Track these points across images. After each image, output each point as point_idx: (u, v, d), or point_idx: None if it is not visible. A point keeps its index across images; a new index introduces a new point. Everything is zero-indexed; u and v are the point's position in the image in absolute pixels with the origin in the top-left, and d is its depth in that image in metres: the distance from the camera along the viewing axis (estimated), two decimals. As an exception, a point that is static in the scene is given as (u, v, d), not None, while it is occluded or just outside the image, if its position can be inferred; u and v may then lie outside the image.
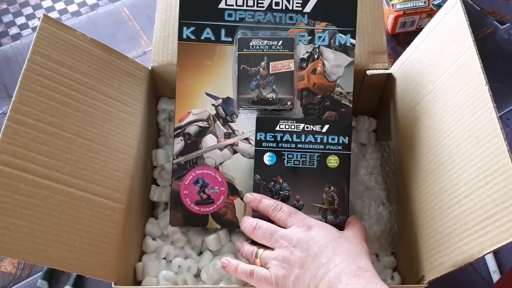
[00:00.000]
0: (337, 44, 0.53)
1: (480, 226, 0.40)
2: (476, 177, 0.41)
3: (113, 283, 0.45)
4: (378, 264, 0.55)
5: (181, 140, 0.54)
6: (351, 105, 0.53)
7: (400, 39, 0.82)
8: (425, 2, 0.79)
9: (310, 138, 0.51)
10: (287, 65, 0.51)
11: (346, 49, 0.53)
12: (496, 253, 0.61)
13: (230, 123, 0.54)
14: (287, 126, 0.51)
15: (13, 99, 0.42)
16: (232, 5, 0.53)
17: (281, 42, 0.51)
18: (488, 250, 0.38)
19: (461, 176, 0.43)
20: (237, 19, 0.53)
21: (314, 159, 0.51)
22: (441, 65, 0.49)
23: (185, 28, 0.53)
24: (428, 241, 0.47)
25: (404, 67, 0.57)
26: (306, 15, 0.53)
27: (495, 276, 0.59)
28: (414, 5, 0.79)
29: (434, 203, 0.47)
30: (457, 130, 0.45)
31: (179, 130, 0.54)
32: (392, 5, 0.80)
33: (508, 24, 0.84)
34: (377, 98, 0.65)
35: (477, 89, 0.43)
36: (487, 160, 0.40)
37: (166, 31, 0.60)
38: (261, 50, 0.51)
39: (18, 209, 0.40)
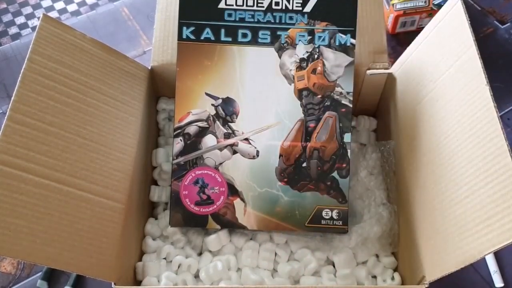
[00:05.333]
0: (337, 44, 0.53)
1: (481, 227, 0.40)
2: (477, 177, 0.41)
3: (113, 283, 0.44)
4: (379, 264, 0.54)
5: (180, 140, 0.54)
6: (351, 105, 0.53)
7: (401, 38, 0.82)
8: (425, 2, 0.79)
9: None
10: None
11: (346, 49, 0.53)
12: (497, 253, 0.61)
13: (230, 123, 0.54)
14: None
15: (12, 98, 0.42)
16: (232, 5, 0.53)
17: None
18: (489, 250, 0.38)
19: (461, 176, 0.43)
20: (237, 19, 0.53)
21: None
22: (442, 64, 0.49)
23: (184, 28, 0.53)
24: (428, 241, 0.47)
25: (405, 66, 0.57)
26: (306, 15, 0.53)
27: (496, 277, 0.59)
28: (415, 4, 0.79)
29: (435, 203, 0.47)
30: (457, 130, 0.45)
31: (179, 130, 0.54)
32: (392, 4, 0.79)
33: (509, 23, 0.84)
34: (377, 98, 0.65)
35: (478, 89, 0.43)
36: (488, 160, 0.40)
37: (166, 31, 0.59)
38: None
39: (18, 208, 0.40)
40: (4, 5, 0.90)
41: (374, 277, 0.54)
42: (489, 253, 0.38)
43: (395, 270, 0.55)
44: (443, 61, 0.49)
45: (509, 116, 0.74)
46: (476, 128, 0.42)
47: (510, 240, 0.36)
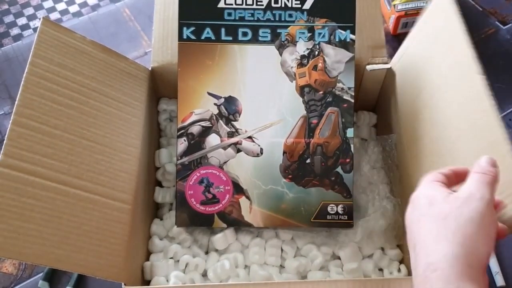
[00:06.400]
0: (337, 40, 0.53)
1: None
2: None
3: (123, 284, 0.44)
4: (385, 257, 0.55)
5: (184, 140, 0.54)
6: (352, 100, 0.54)
7: (402, 39, 0.81)
8: (426, 3, 0.79)
9: None
10: None
11: (346, 45, 0.53)
12: (499, 254, 0.61)
13: (233, 122, 0.54)
14: None
15: (16, 102, 0.42)
16: (232, 4, 0.53)
17: None
18: None
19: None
20: (237, 18, 0.53)
21: None
22: (436, 56, 0.49)
23: (185, 28, 0.53)
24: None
25: (403, 60, 0.57)
26: (305, 12, 0.53)
27: (498, 278, 0.59)
28: (416, 5, 0.78)
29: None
30: (456, 121, 0.45)
31: (182, 131, 0.54)
32: (394, 5, 0.80)
33: (510, 24, 0.83)
34: (376, 93, 0.65)
35: (473, 79, 0.42)
36: (487, 150, 0.40)
37: (165, 31, 0.60)
38: None
39: (26, 212, 0.40)
40: (6, 6, 0.90)
41: (381, 270, 0.55)
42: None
43: (401, 262, 0.55)
44: (438, 53, 0.49)
45: (510, 117, 0.74)
46: (475, 119, 0.42)
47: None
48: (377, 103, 0.66)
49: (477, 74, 0.42)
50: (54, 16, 0.89)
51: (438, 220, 0.32)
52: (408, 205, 0.36)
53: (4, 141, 0.41)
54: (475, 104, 0.42)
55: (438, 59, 0.49)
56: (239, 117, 0.54)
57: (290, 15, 0.53)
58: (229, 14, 0.53)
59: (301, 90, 0.54)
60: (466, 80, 0.44)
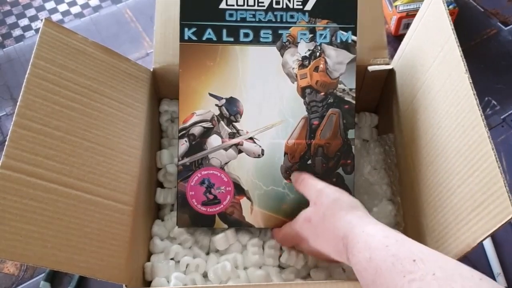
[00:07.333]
0: (338, 41, 0.53)
1: (472, 215, 0.40)
2: (465, 166, 0.41)
3: (124, 285, 0.45)
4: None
5: (185, 141, 0.54)
6: (354, 102, 0.54)
7: (404, 40, 0.82)
8: (426, 1, 0.79)
9: None
10: None
11: (347, 46, 0.53)
12: (500, 254, 0.61)
13: (234, 123, 0.54)
14: None
15: (18, 103, 0.42)
16: (233, 5, 0.53)
17: None
18: (481, 238, 0.38)
19: (453, 166, 0.43)
20: (238, 19, 0.53)
21: None
22: (429, 56, 0.49)
23: (186, 29, 0.53)
24: (433, 233, 0.48)
25: (401, 61, 0.57)
26: (307, 13, 0.53)
27: (500, 279, 0.59)
28: (417, 6, 0.78)
29: (435, 194, 0.47)
30: (447, 121, 0.45)
31: (184, 132, 0.54)
32: (395, 6, 0.80)
33: None
34: (378, 94, 0.65)
35: (459, 78, 0.43)
36: (472, 149, 0.40)
37: (166, 32, 0.60)
38: None
39: (28, 214, 0.40)
40: (8, 7, 0.90)
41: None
42: (482, 240, 0.39)
43: (402, 263, 0.55)
44: (431, 52, 0.49)
45: (512, 118, 0.73)
46: (461, 117, 0.43)
47: (497, 226, 0.37)
48: (378, 104, 0.66)
49: (463, 73, 0.42)
50: (56, 17, 0.89)
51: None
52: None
53: (6, 143, 0.41)
54: (462, 103, 0.42)
55: (430, 59, 0.49)
56: (240, 118, 0.54)
57: (292, 16, 0.53)
58: (231, 15, 0.53)
59: (302, 91, 0.54)
60: (453, 80, 0.44)
